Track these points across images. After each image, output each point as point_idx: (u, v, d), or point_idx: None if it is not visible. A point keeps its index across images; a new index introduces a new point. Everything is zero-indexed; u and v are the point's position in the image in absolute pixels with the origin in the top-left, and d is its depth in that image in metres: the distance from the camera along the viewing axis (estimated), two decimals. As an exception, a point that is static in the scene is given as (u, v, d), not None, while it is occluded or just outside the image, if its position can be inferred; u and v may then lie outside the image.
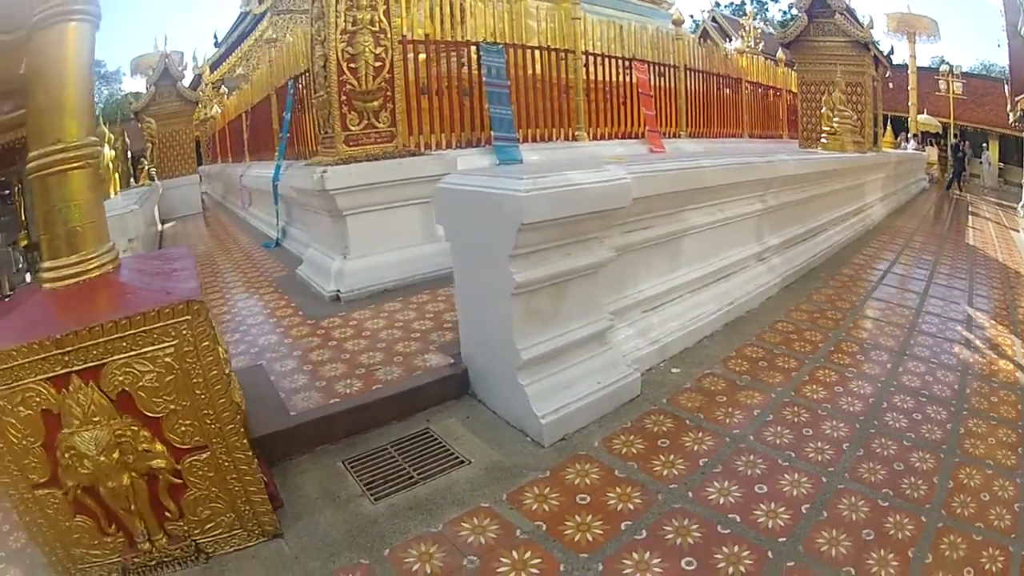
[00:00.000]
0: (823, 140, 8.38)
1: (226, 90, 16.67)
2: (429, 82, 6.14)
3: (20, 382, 2.46)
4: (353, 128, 5.11)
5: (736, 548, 2.37)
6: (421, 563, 2.38)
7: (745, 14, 17.05)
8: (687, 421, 3.31)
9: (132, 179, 12.51)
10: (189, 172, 14.87)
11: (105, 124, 18.86)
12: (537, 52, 6.73)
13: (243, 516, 2.84)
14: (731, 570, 2.28)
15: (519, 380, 3.06)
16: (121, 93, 38.04)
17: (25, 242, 14.61)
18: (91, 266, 2.79)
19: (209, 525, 2.85)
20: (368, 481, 2.91)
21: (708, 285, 4.58)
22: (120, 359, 2.46)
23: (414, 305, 4.91)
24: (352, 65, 5.03)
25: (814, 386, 3.76)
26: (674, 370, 3.85)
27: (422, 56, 6.22)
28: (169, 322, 2.50)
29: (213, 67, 24.43)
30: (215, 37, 28.68)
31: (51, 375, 2.47)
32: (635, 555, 2.36)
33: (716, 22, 17.02)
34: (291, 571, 2.52)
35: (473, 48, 6.40)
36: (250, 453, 2.78)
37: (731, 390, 3.66)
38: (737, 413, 3.40)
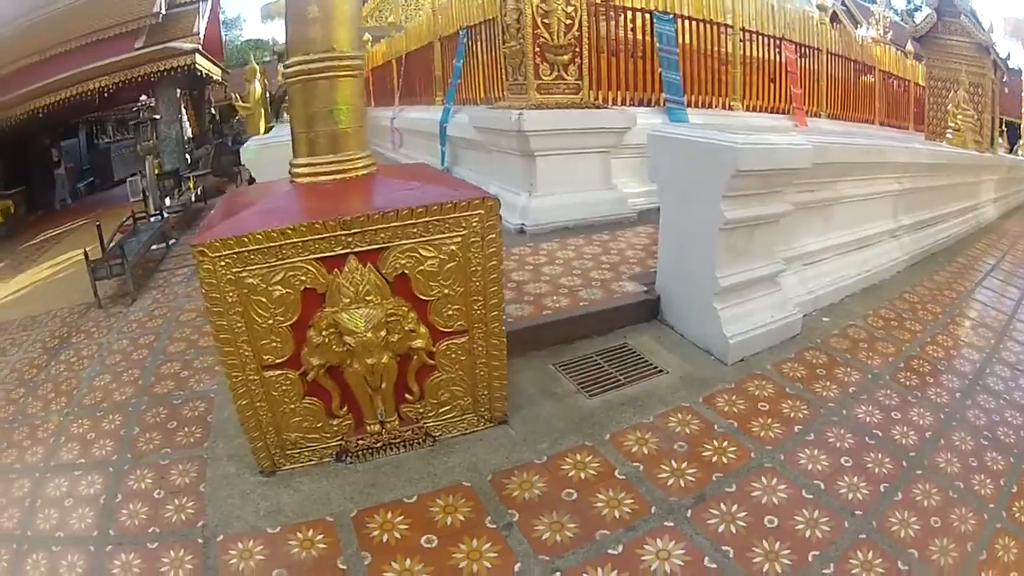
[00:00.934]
0: (948, 135, 8.63)
1: (369, 37, 17.26)
2: (609, 43, 6.68)
3: (285, 261, 2.61)
4: (544, 78, 5.70)
5: (879, 455, 2.97)
6: (639, 446, 2.97)
7: (875, 1, 16.83)
8: (837, 359, 3.89)
9: (275, 116, 13.33)
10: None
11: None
12: (698, 24, 7.20)
13: (478, 401, 3.11)
14: (877, 471, 2.87)
15: (714, 304, 3.67)
16: (240, 39, 39.22)
17: (158, 171, 15.37)
18: (356, 165, 3.07)
19: (444, 408, 3.08)
20: (580, 381, 3.50)
21: (851, 251, 5.07)
22: (407, 244, 2.71)
23: (597, 242, 5.53)
24: (545, 20, 5.59)
25: (934, 347, 4.27)
26: (824, 319, 4.40)
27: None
28: (464, 214, 2.76)
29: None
30: None
31: (325, 255, 2.64)
32: (807, 451, 2.97)
33: (845, 6, 16.88)
34: (519, 452, 2.97)
35: (648, 15, 6.90)
36: (504, 340, 3.04)
37: (870, 340, 4.20)
38: (876, 357, 3.96)
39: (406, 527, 2.59)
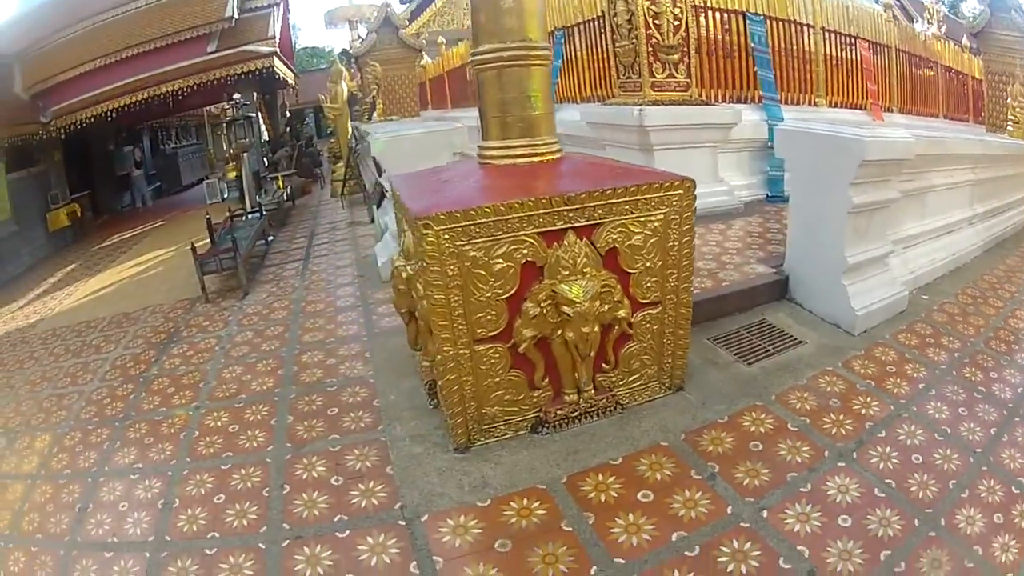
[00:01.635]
0: (1009, 128, 9.04)
1: (444, 40, 17.61)
2: (709, 43, 7.19)
3: (509, 234, 2.80)
4: (657, 76, 6.21)
5: (986, 407, 3.52)
6: (800, 403, 3.50)
7: None
8: (940, 330, 4.43)
9: (367, 116, 13.79)
10: (413, 114, 15.99)
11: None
12: (783, 24, 7.69)
13: (663, 369, 3.44)
14: (986, 418, 3.41)
15: (843, 281, 4.21)
16: (297, 47, 40.16)
17: (233, 173, 16.21)
18: (547, 149, 3.44)
19: (633, 377, 3.32)
20: (735, 352, 4.03)
21: (941, 236, 5.58)
22: (619, 220, 3.02)
23: (716, 231, 6.05)
24: (656, 22, 6.08)
25: (1015, 320, 4.76)
26: (923, 296, 4.92)
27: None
28: (667, 193, 3.13)
29: (410, 21, 25.16)
30: None
31: (547, 229, 2.86)
32: (930, 404, 3.54)
33: (899, 1, 17.08)
34: (703, 413, 3.38)
35: (741, 16, 7.35)
36: (690, 311, 3.39)
37: (963, 315, 4.73)
38: (969, 329, 4.49)
39: (620, 486, 2.86)
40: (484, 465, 3.05)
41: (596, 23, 7.95)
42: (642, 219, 3.12)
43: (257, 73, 15.81)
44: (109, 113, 15.03)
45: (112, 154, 20.28)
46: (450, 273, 2.80)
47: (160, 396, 4.41)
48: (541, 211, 2.86)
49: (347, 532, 2.72)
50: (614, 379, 3.32)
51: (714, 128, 6.48)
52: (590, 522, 2.66)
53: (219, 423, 3.85)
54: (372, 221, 9.13)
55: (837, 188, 4.13)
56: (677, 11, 6.19)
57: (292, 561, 2.60)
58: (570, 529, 2.63)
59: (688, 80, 6.46)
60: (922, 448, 3.13)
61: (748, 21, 7.32)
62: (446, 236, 2.75)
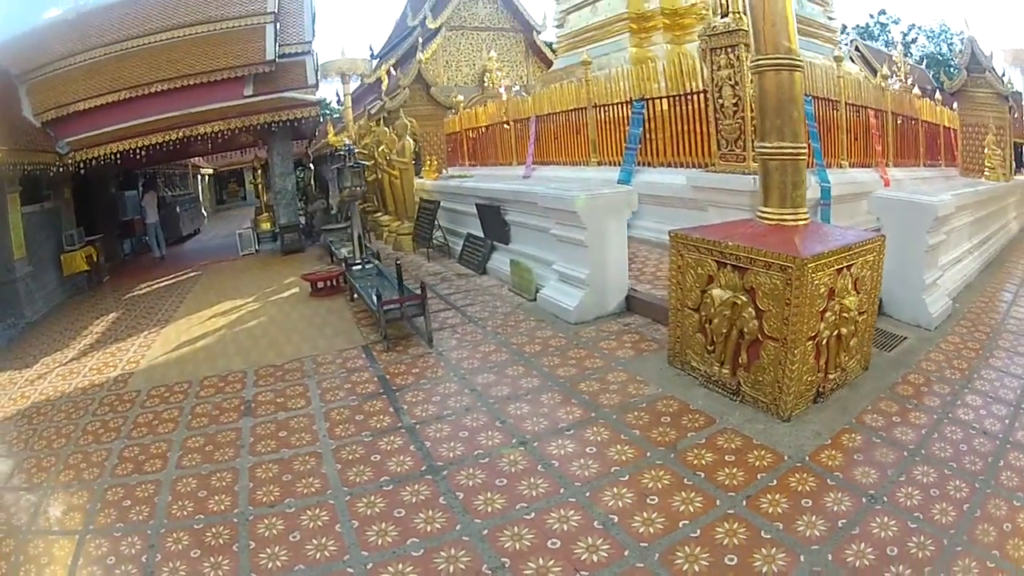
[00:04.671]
0: (986, 173, 11.68)
1: (462, 98, 18.04)
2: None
3: (828, 270, 4.45)
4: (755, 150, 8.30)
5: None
6: (931, 364, 5.58)
7: (874, 38, 19.59)
8: (974, 322, 6.73)
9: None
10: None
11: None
12: (822, 102, 9.48)
13: (862, 354, 5.27)
14: None
15: (923, 296, 6.43)
16: None
17: (267, 224, 16.98)
18: (803, 217, 5.09)
19: (852, 360, 4.89)
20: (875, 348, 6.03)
21: (957, 263, 7.99)
22: (860, 261, 4.80)
23: None
24: (754, 104, 7.90)
25: (1018, 309, 7.26)
26: (956, 304, 7.20)
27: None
28: (878, 244, 5.00)
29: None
30: (371, 49, 29.30)
31: (839, 266, 4.58)
32: (992, 356, 5.82)
33: (860, 51, 19.19)
34: (888, 376, 5.20)
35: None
36: (876, 315, 5.27)
37: (982, 314, 7.06)
38: (991, 323, 6.81)
39: (881, 417, 4.57)
40: (807, 425, 4.46)
41: (683, 98, 9.70)
42: (868, 260, 4.98)
43: (296, 121, 15.39)
44: (139, 151, 14.28)
45: (114, 198, 19.48)
46: (807, 295, 4.34)
47: (462, 442, 4.67)
48: (836, 255, 4.57)
49: (774, 480, 3.86)
50: (848, 362, 5.01)
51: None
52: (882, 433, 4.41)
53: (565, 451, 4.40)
54: (481, 271, 10.02)
55: (918, 235, 6.37)
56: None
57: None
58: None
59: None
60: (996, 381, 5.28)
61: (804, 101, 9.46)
62: (811, 272, 4.32)
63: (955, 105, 13.24)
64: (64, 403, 6.53)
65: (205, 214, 32.63)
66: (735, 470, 3.95)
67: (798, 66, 5.06)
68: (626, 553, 3.29)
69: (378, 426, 5.05)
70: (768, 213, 5.20)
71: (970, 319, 6.83)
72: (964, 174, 12.47)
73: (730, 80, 8.26)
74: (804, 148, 5.14)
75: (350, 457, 4.61)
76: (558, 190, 7.72)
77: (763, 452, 4.13)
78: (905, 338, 6.20)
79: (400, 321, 7.22)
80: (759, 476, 3.88)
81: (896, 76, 17.38)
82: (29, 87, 14.62)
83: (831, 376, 4.81)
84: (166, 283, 14.01)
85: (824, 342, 4.65)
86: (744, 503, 3.63)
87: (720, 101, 8.48)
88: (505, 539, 3.49)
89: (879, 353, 5.76)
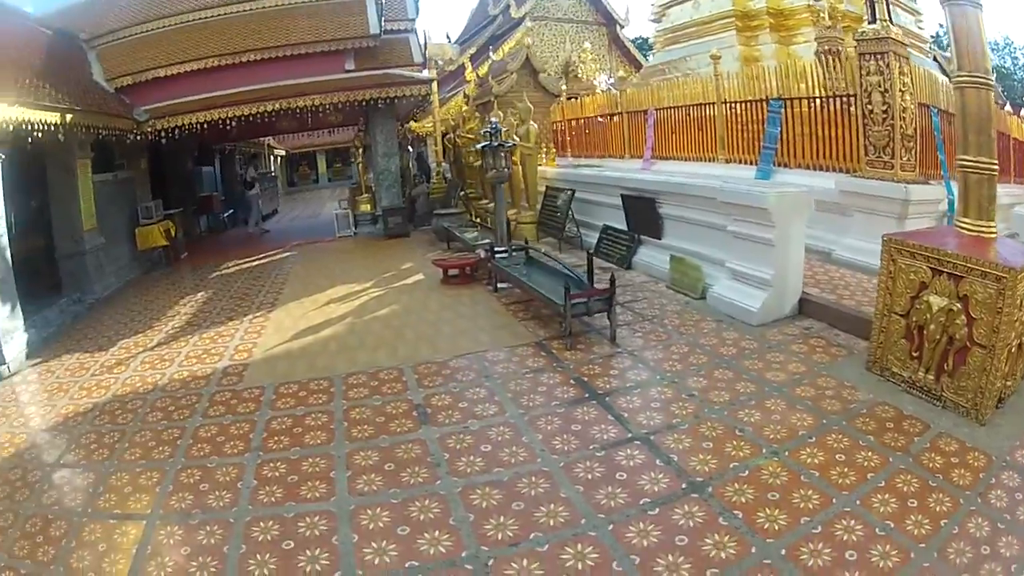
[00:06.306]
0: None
1: (565, 88, 17.67)
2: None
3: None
4: (903, 159, 8.44)
5: None
6: None
7: (943, 48, 19.34)
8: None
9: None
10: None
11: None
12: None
13: None
14: None
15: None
16: None
17: (366, 206, 16.58)
18: (995, 231, 5.24)
19: None
20: None
21: None
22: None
23: None
24: (903, 115, 8.47)
25: None
26: None
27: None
28: None
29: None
30: (447, 37, 29.20)
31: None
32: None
33: (937, 61, 19.06)
34: None
35: (926, 108, 9.03)
36: None
37: None
38: None
39: None
40: (999, 428, 4.68)
41: (827, 100, 9.74)
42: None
43: (409, 99, 15.15)
44: (227, 122, 13.84)
45: (191, 173, 19.32)
46: (1016, 305, 4.57)
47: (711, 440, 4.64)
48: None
49: (992, 479, 4.09)
50: (1021, 369, 5.16)
51: (937, 202, 8.57)
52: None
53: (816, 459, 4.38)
54: (626, 266, 9.87)
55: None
56: (913, 107, 8.45)
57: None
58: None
59: (914, 162, 8.48)
60: None
61: (931, 113, 9.15)
62: (1021, 280, 4.52)
63: (1024, 117, 13.11)
64: (159, 398, 5.76)
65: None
66: (963, 471, 4.19)
67: (992, 85, 5.38)
68: (912, 555, 3.44)
69: (604, 438, 4.64)
70: (968, 224, 5.37)
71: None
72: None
73: (879, 87, 8.59)
74: (997, 165, 5.34)
75: (588, 477, 4.13)
76: (736, 185, 7.74)
77: (977, 454, 4.37)
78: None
79: (595, 314, 6.86)
80: (981, 475, 4.14)
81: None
82: (100, 52, 14.40)
83: (1008, 383, 4.98)
84: (257, 262, 13.53)
85: (1012, 349, 4.84)
86: (979, 499, 3.90)
87: (869, 107, 8.78)
88: (804, 555, 3.44)
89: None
